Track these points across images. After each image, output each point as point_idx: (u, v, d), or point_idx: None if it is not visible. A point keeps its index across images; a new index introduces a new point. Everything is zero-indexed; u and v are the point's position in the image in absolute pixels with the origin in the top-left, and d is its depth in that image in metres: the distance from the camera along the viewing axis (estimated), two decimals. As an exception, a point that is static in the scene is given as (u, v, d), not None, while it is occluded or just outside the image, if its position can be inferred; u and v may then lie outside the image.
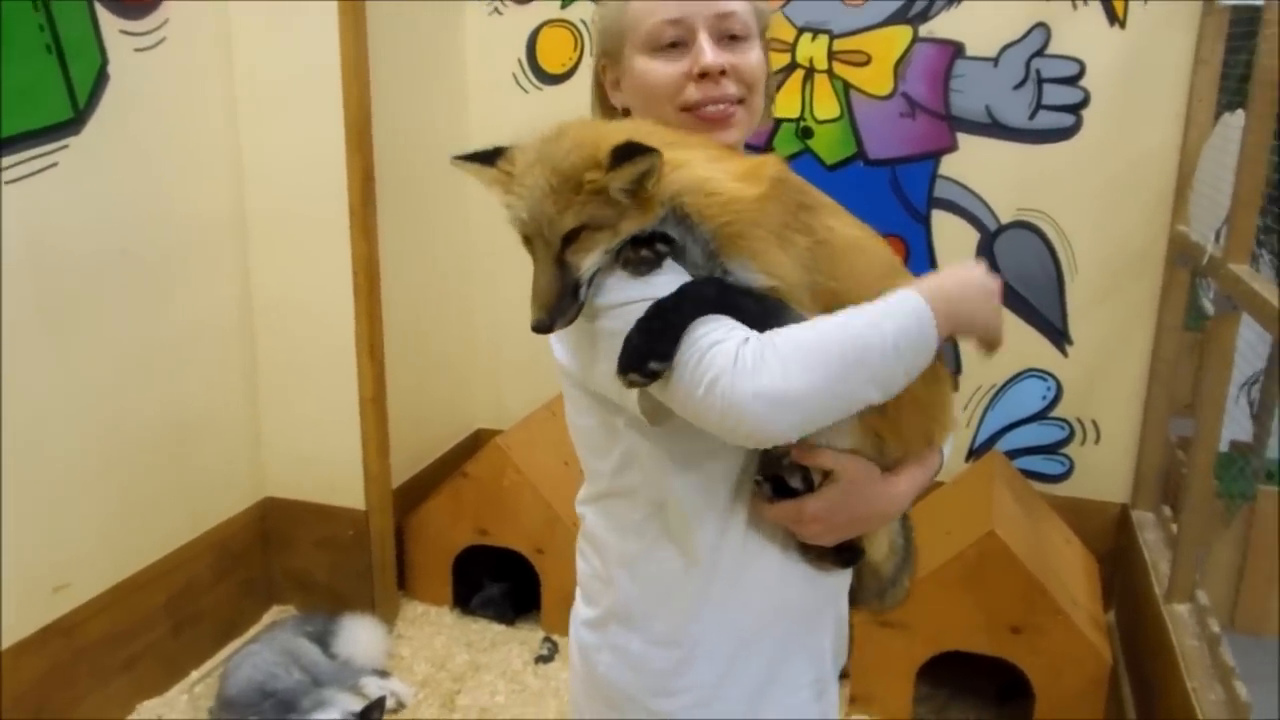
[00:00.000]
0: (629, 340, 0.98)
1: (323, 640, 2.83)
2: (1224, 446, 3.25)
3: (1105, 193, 2.96)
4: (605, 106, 1.26)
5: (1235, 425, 3.41)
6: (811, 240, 1.06)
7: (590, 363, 1.09)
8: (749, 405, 0.94)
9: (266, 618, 3.09)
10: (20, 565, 2.30)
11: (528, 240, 1.03)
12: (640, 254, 1.02)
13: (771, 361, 0.95)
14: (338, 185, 2.80)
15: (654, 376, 0.97)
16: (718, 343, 0.96)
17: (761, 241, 1.02)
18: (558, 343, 1.18)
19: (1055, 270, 3.04)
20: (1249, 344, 3.18)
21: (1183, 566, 2.42)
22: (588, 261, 1.01)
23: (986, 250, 3.06)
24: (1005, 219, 3.04)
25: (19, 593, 2.30)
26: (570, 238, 1.00)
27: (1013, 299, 3.06)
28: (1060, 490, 3.14)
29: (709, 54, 1.14)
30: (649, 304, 1.00)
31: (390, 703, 2.67)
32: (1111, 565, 3.04)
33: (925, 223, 3.09)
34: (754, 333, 0.98)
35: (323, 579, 3.10)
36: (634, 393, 1.03)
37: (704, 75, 1.15)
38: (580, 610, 1.26)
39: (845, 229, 1.11)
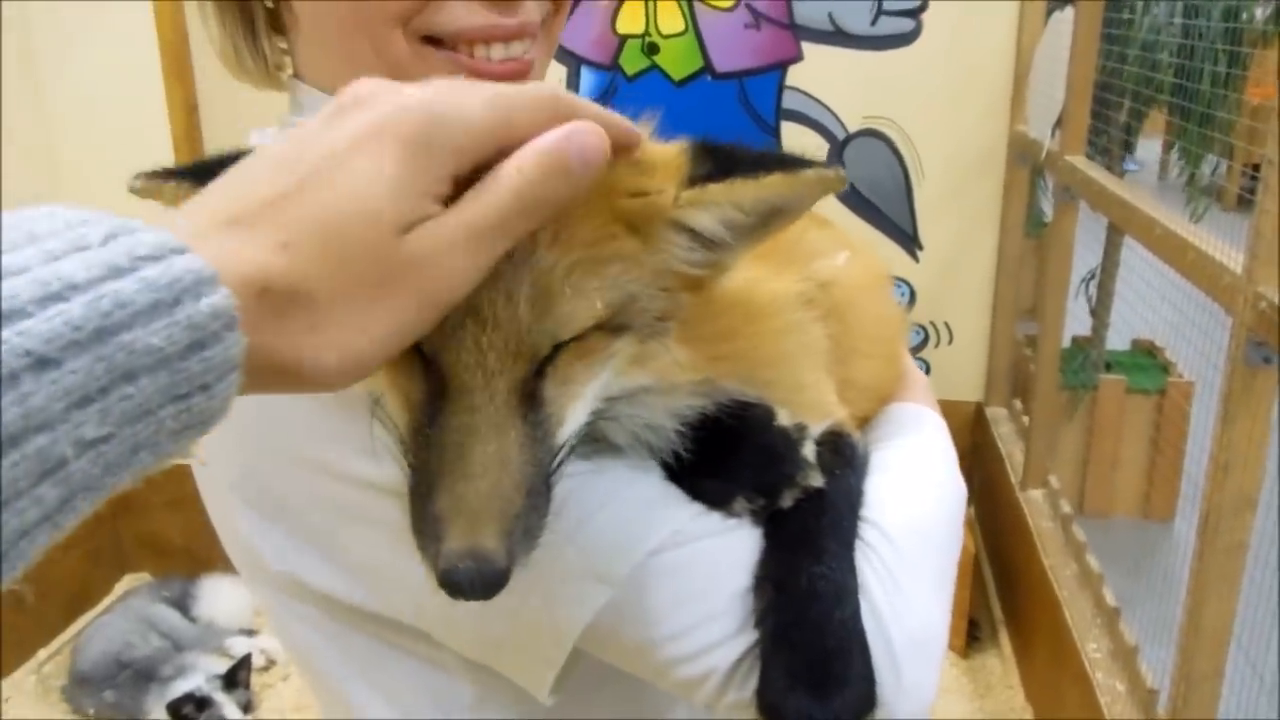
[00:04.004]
0: (780, 682, 0.57)
1: (182, 604, 2.70)
2: (1066, 342, 3.39)
3: (947, 96, 2.99)
4: None
5: (1075, 321, 3.55)
6: (826, 310, 0.65)
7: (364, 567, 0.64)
8: (905, 666, 0.58)
9: (119, 587, 2.92)
10: None
11: (398, 372, 0.47)
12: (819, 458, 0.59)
13: (910, 584, 0.60)
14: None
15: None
16: None
17: (806, 360, 0.63)
18: (241, 511, 0.66)
19: (903, 176, 3.08)
20: (1085, 244, 3.31)
21: (1035, 454, 2.52)
22: (580, 405, 0.48)
23: (836, 159, 3.08)
24: (853, 127, 3.06)
25: None
26: (556, 352, 0.47)
27: (864, 207, 3.09)
28: (918, 393, 3.21)
29: None
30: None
31: (260, 660, 2.57)
32: (970, 461, 3.15)
33: (775, 134, 3.08)
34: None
35: (178, 541, 2.94)
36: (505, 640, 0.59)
37: None
38: None
39: (845, 264, 0.72)
